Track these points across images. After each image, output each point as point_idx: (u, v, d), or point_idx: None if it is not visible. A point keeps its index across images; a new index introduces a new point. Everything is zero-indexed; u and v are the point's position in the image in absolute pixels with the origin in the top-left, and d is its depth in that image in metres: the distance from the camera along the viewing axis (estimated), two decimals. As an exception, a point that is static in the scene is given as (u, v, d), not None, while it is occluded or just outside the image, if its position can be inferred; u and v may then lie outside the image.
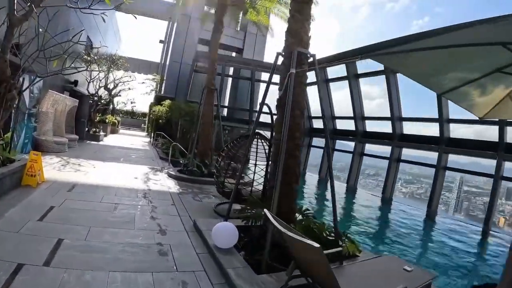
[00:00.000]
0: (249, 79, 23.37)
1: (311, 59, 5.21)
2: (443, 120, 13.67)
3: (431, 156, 14.55)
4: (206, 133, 11.62)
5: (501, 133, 11.70)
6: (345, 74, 17.82)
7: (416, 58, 3.23)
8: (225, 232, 4.45)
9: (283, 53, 5.31)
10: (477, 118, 4.11)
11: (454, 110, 13.67)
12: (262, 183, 6.75)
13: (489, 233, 11.50)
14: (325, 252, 2.58)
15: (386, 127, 16.48)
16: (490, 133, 12.51)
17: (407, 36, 8.92)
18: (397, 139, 15.82)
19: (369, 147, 18.12)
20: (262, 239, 4.53)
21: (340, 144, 19.87)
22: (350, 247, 4.62)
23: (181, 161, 12.02)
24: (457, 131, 14.01)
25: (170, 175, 10.35)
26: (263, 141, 7.10)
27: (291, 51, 4.91)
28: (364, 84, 17.89)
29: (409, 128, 16.81)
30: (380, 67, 15.21)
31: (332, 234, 4.76)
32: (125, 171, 10.37)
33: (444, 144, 13.80)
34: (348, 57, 15.43)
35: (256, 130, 6.62)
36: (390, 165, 15.96)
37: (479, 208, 23.22)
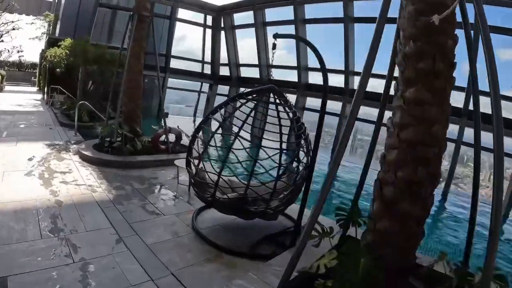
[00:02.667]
0: (167, 18, 18.53)
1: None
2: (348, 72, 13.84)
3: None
4: (134, 87, 7.85)
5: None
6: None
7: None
8: None
9: None
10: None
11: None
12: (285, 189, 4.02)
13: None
14: None
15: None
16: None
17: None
18: (303, 89, 15.65)
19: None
20: None
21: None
22: None
23: (97, 130, 8.08)
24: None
25: (84, 158, 6.63)
26: (280, 102, 4.27)
27: None
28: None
29: (315, 78, 16.63)
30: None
31: None
32: (8, 159, 6.18)
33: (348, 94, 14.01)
34: None
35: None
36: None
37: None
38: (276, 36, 4.18)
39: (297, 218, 4.07)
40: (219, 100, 20.52)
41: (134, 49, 7.54)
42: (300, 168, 4.16)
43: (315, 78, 16.27)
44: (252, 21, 16.84)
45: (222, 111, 4.32)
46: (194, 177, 4.18)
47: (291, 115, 4.34)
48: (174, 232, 4.02)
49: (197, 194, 4.37)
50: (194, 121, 20.32)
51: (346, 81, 14.47)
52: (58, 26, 22.73)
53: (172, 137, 8.14)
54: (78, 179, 5.37)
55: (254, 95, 4.28)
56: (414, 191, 2.78)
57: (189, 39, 22.18)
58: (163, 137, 7.85)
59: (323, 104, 3.96)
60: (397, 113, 2.87)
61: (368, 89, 2.75)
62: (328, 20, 14.63)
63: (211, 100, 20.83)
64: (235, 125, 4.06)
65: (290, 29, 15.62)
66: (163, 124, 8.19)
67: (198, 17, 18.91)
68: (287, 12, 15.68)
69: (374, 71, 2.70)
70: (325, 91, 4.02)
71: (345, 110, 14.30)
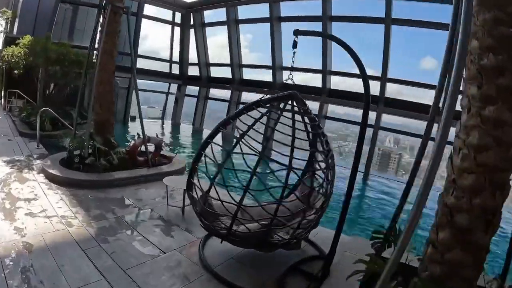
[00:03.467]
0: (134, 14, 17.08)
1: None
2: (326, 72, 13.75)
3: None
4: (107, 90, 6.78)
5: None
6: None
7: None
8: None
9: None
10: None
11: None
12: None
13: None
14: None
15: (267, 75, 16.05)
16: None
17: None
18: (277, 88, 14.71)
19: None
20: None
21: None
22: None
23: (64, 143, 6.89)
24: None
25: (51, 178, 5.51)
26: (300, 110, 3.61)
27: None
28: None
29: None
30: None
31: None
32: None
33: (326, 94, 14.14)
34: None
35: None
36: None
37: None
38: (297, 32, 3.53)
39: (332, 245, 3.45)
40: (188, 101, 19.52)
41: (106, 45, 6.47)
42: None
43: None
44: (224, 18, 16.04)
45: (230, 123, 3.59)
46: (203, 207, 3.40)
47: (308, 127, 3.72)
48: (183, 276, 3.22)
49: (205, 226, 3.60)
50: (163, 124, 19.11)
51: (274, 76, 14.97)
52: (16, 24, 20.27)
53: (151, 147, 7.18)
54: (47, 209, 4.32)
55: (274, 103, 3.59)
56: (489, 219, 2.49)
57: (156, 37, 20.79)
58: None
59: (365, 114, 3.37)
60: (472, 133, 2.49)
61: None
62: (307, 18, 14.22)
63: (179, 101, 19.73)
64: (254, 140, 3.33)
65: (265, 27, 15.11)
66: (139, 133, 7.21)
67: (166, 14, 17.69)
68: (261, 9, 15.19)
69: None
70: (367, 100, 3.41)
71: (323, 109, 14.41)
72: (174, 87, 19.64)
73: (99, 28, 6.55)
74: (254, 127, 3.50)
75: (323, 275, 3.40)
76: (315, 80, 14.78)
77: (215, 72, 18.27)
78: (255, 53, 16.00)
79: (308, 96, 14.09)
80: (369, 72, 14.25)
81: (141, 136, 6.99)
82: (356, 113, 14.67)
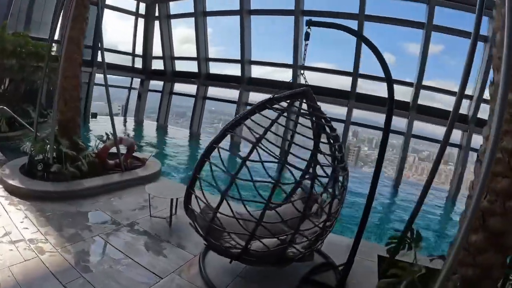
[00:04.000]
0: (94, 4, 15.65)
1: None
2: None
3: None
4: (73, 86, 5.92)
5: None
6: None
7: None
8: None
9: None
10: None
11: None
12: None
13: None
14: None
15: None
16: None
17: None
18: (246, 83, 14.99)
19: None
20: None
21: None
22: None
23: (25, 147, 5.97)
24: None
25: (11, 190, 4.65)
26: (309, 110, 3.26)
27: None
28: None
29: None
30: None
31: None
32: None
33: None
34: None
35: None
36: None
37: None
38: (311, 23, 3.16)
39: (351, 253, 3.17)
40: (151, 96, 18.45)
41: (73, 32, 5.61)
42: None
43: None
44: (191, 9, 15.24)
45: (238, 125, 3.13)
46: (211, 224, 2.92)
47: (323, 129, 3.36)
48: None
49: (210, 246, 3.13)
50: (125, 121, 17.90)
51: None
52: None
53: (122, 149, 6.47)
54: (10, 231, 3.57)
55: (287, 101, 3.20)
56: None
57: (117, 29, 19.36)
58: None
59: (388, 120, 3.09)
60: (506, 138, 2.51)
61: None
62: (279, 12, 13.90)
63: (143, 97, 18.60)
64: (270, 142, 2.90)
65: (235, 20, 14.59)
66: (108, 133, 6.46)
67: (130, 4, 16.46)
68: (230, 2, 14.63)
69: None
70: (391, 104, 3.11)
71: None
72: (136, 82, 18.49)
73: (69, 21, 5.63)
74: (263, 128, 3.09)
75: (339, 285, 3.16)
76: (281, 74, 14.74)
77: (180, 66, 17.44)
78: (216, 47, 15.47)
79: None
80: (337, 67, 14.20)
81: (111, 137, 6.26)
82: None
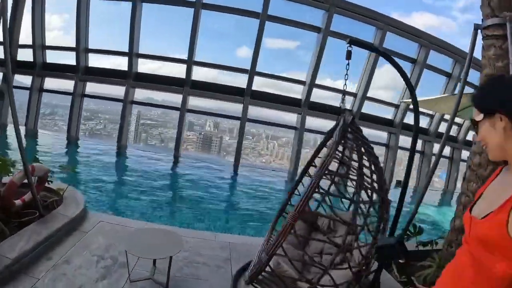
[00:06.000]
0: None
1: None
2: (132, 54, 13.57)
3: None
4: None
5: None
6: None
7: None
8: None
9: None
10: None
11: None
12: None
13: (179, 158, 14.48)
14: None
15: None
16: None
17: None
18: (82, 73, 14.17)
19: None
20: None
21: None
22: None
23: None
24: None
25: None
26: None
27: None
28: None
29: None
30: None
31: None
32: None
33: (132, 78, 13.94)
34: None
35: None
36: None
37: (157, 138, 25.54)
38: (352, 42, 2.95)
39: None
40: (19, 94, 14.18)
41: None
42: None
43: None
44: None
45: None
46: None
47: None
48: None
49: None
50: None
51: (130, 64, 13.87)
52: None
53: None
54: None
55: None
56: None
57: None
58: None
59: (414, 143, 3.17)
60: None
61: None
62: (172, 2, 13.02)
63: (6, 95, 14.25)
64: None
65: (125, 7, 12.75)
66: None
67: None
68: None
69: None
70: (416, 129, 3.13)
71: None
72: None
73: None
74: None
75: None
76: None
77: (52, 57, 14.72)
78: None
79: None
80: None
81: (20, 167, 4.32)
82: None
